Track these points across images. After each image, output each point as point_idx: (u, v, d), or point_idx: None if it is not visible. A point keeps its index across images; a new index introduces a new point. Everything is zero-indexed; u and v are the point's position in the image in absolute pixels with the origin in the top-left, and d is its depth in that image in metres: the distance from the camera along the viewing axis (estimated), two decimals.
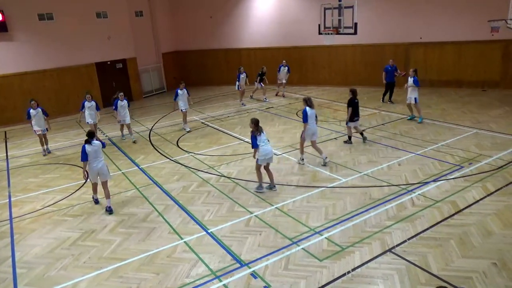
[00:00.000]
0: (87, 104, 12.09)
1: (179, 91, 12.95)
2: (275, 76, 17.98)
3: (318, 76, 19.80)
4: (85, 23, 17.14)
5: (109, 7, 17.92)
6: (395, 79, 14.92)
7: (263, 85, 16.84)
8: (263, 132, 7.84)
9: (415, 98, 12.12)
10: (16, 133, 14.64)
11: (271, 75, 18.12)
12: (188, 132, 12.96)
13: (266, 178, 8.21)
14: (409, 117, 12.72)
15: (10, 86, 15.65)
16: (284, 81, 17.52)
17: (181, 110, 13.09)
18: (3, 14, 14.74)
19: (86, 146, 7.48)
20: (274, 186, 8.14)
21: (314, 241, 6.20)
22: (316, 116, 9.34)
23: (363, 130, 11.09)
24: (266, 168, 8.11)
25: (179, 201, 8.00)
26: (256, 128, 7.76)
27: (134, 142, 12.17)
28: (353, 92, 10.49)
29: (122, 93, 12.29)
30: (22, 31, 15.55)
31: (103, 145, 7.88)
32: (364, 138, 10.75)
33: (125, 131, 12.65)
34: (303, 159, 9.56)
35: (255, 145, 7.77)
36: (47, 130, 11.60)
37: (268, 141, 7.98)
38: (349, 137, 10.80)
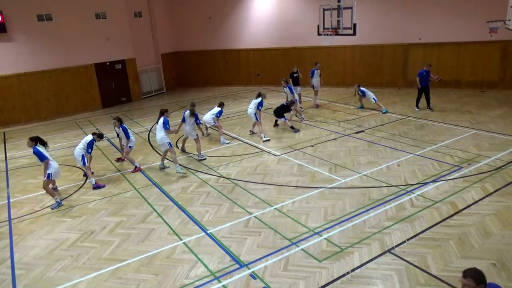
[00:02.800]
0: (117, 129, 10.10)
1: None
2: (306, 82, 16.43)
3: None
4: (84, 23, 17.14)
5: (108, 8, 17.90)
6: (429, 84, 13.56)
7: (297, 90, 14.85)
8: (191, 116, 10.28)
9: (374, 98, 13.93)
10: (15, 134, 14.62)
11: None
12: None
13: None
14: (358, 107, 14.78)
15: (9, 87, 15.63)
16: (318, 88, 15.42)
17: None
18: (1, 15, 14.72)
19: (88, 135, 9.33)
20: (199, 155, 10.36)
21: (313, 242, 6.20)
22: (258, 105, 11.83)
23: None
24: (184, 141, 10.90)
25: (178, 202, 7.99)
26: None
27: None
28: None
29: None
30: (21, 31, 15.53)
31: (88, 147, 9.17)
32: (275, 124, 12.99)
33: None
34: (251, 132, 12.34)
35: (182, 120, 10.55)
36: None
37: (200, 123, 10.79)
38: (291, 127, 12.42)
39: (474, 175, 8.24)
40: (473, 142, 10.18)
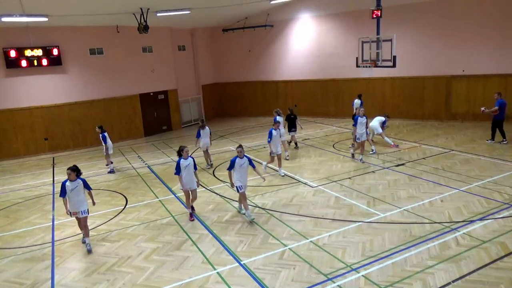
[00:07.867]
0: (183, 163, 8.43)
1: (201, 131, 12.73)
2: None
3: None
4: (131, 57, 18.21)
5: (155, 42, 18.95)
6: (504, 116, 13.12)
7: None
8: None
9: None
10: (63, 159, 15.42)
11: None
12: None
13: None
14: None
15: (60, 115, 16.71)
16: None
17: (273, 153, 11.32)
18: (58, 49, 15.95)
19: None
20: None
21: (350, 279, 5.95)
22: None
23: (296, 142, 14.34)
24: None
25: (213, 230, 8.00)
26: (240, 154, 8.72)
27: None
28: (290, 110, 13.78)
29: (278, 109, 13.12)
30: (74, 64, 16.72)
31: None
32: (296, 147, 14.15)
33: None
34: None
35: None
36: (85, 213, 7.44)
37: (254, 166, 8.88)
38: (295, 143, 14.26)
39: None
40: None
